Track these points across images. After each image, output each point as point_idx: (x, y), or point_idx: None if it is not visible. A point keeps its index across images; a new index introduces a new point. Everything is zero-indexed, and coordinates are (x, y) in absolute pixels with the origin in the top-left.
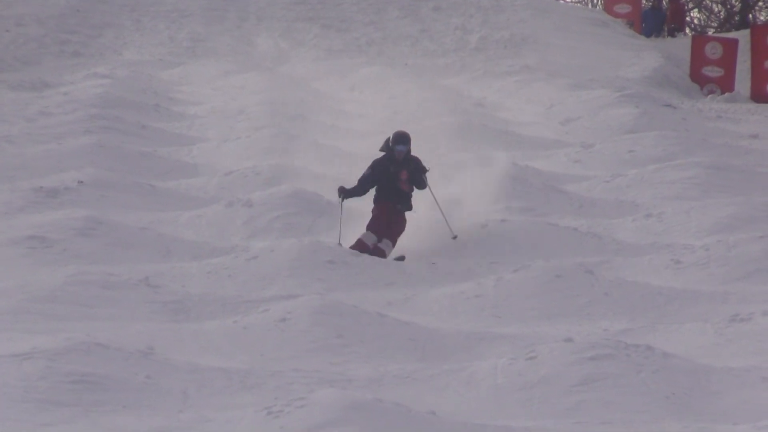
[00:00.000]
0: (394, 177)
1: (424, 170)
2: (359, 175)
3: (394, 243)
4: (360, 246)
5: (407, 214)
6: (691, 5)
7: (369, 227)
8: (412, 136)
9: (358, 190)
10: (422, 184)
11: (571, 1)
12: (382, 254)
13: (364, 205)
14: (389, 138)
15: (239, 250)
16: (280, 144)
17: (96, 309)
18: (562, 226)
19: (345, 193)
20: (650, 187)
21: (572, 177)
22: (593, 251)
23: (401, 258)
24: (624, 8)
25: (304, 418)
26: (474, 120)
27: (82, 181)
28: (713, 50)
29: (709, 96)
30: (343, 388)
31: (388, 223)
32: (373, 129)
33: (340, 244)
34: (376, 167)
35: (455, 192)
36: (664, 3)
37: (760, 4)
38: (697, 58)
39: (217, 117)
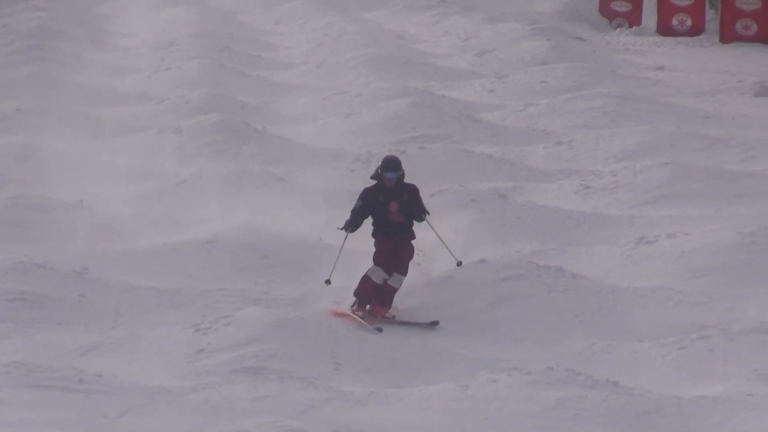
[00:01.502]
0: (383, 208)
1: (423, 210)
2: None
3: (405, 273)
4: (366, 285)
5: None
6: None
7: (375, 260)
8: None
9: (353, 224)
10: (420, 218)
11: None
12: (392, 292)
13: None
14: (379, 165)
15: (169, 175)
16: (209, 74)
17: (33, 231)
18: (477, 153)
19: (348, 227)
20: (561, 116)
21: (487, 106)
22: (506, 177)
23: (435, 323)
24: None
25: (230, 335)
26: (394, 52)
27: (19, 109)
28: None
29: (618, 29)
30: (268, 306)
31: (394, 253)
32: (297, 60)
33: (328, 282)
34: (366, 197)
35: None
36: None
37: None
38: None
39: (148, 48)
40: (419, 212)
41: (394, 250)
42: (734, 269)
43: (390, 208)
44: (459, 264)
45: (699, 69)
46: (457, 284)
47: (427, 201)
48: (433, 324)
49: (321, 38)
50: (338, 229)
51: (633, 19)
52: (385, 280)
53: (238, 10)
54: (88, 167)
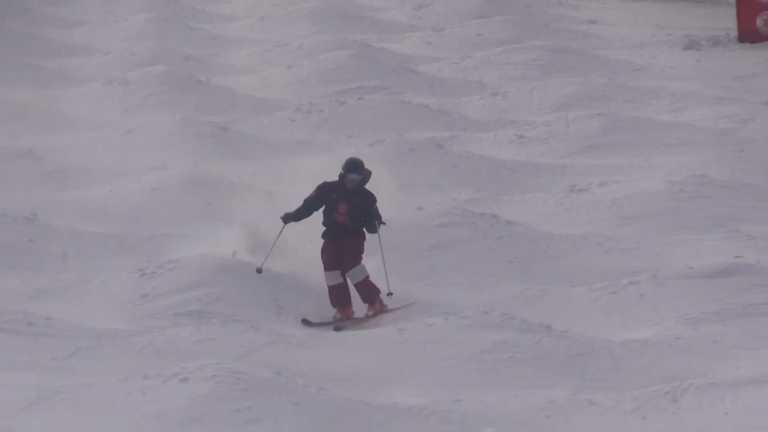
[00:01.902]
0: (333, 206)
1: (378, 217)
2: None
3: (357, 263)
4: (330, 292)
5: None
6: None
7: (325, 264)
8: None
9: (301, 213)
10: (372, 227)
11: None
12: (364, 287)
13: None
14: (342, 165)
15: (116, 125)
16: (155, 27)
17: None
18: (415, 104)
19: (288, 218)
20: (496, 68)
21: (424, 58)
22: (443, 127)
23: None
24: None
25: (175, 279)
26: (334, 6)
27: None
28: None
29: None
30: (212, 252)
31: (339, 251)
32: (240, 14)
33: (259, 270)
34: (322, 191)
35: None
36: None
37: None
38: None
39: (96, 1)
40: (370, 221)
41: (339, 249)
42: (663, 216)
43: (339, 208)
44: (389, 294)
45: (630, 23)
46: (395, 231)
47: (365, 151)
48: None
49: None
50: (279, 218)
51: None
52: (341, 282)
53: None
54: (36, 117)
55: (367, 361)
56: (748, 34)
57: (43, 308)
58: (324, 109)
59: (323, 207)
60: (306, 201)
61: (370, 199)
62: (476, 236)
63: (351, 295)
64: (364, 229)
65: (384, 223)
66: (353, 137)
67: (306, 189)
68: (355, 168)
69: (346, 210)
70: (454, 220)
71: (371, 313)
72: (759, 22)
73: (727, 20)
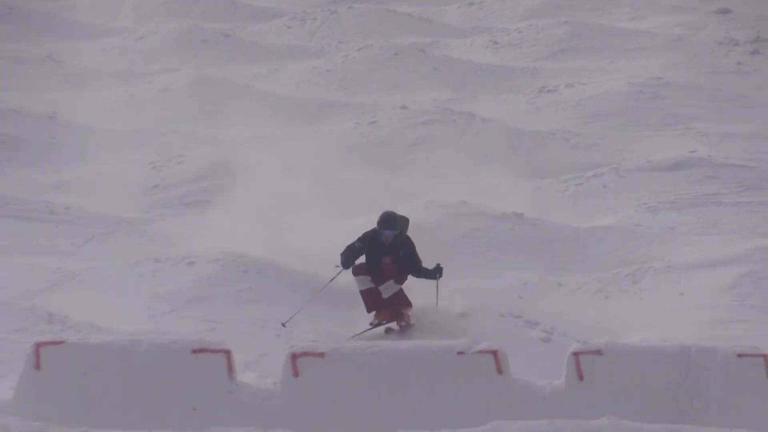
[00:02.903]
0: (377, 259)
1: (419, 264)
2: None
3: (400, 283)
4: (364, 296)
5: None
6: None
7: (353, 270)
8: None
9: (349, 261)
10: (418, 273)
11: None
12: (397, 299)
13: None
14: (378, 219)
15: (129, 32)
16: None
17: (8, 80)
18: (399, 12)
19: (345, 266)
20: None
21: None
22: (425, 33)
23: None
24: None
25: (182, 172)
26: None
27: None
28: None
29: None
30: (216, 147)
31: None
32: None
33: (284, 324)
34: (366, 242)
35: None
36: None
37: None
38: None
39: None
40: (417, 267)
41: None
42: (624, 115)
43: (383, 259)
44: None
45: None
46: (382, 128)
47: (353, 56)
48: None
49: None
50: (335, 266)
51: None
52: (373, 284)
53: None
54: (55, 25)
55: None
56: None
57: (63, 198)
58: (317, 17)
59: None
60: (351, 249)
61: (412, 246)
62: (455, 133)
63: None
64: (426, 275)
65: (440, 273)
66: (343, 42)
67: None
68: (389, 224)
69: (391, 261)
70: (434, 118)
71: (403, 324)
72: None
73: None
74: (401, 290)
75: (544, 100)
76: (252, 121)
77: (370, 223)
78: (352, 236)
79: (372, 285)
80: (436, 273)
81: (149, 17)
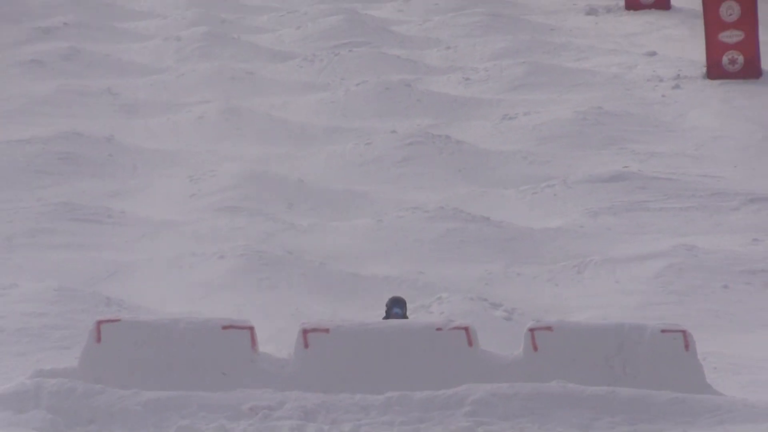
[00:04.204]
0: None
1: None
2: None
3: None
4: None
5: None
6: None
7: None
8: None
9: None
10: None
11: None
12: None
13: None
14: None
15: (172, 70)
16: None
17: (75, 109)
18: (390, 54)
19: None
20: (449, 28)
21: (397, 21)
22: (410, 71)
23: None
24: None
25: (215, 183)
26: None
27: (66, 23)
28: None
29: None
30: (242, 162)
31: None
32: None
33: None
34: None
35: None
36: None
37: None
38: None
39: None
40: None
41: None
42: (571, 137)
43: None
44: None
45: None
46: (376, 148)
47: (353, 89)
48: None
49: None
50: None
51: None
52: None
53: None
54: (113, 65)
55: (355, 244)
56: (632, 3)
57: (118, 204)
58: (323, 59)
59: None
60: None
61: None
62: (435, 152)
63: None
64: None
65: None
66: (345, 79)
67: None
68: (398, 304)
69: None
70: (418, 140)
71: None
72: None
73: None
74: None
75: (507, 125)
76: (270, 143)
77: (366, 224)
78: (350, 235)
79: None
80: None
81: (188, 59)
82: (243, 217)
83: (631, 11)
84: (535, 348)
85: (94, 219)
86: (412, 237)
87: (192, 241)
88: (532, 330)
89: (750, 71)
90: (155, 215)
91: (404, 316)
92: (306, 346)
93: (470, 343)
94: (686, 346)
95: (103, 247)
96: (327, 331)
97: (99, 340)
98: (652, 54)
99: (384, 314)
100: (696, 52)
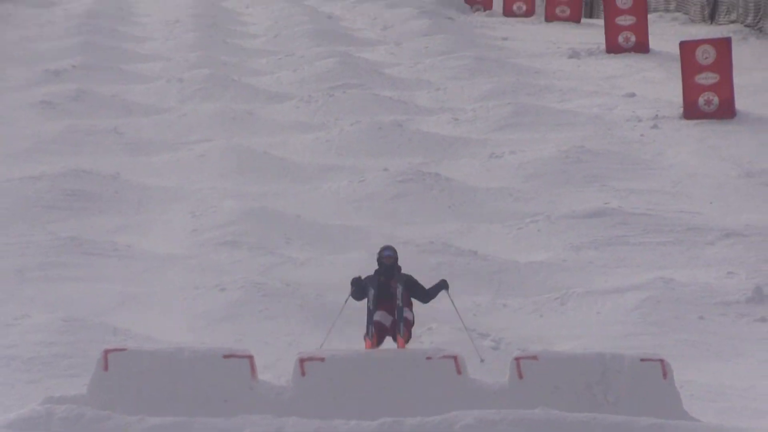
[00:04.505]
0: (385, 286)
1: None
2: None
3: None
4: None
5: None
6: None
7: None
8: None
9: (356, 294)
10: (426, 295)
11: None
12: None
13: None
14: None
15: (174, 110)
16: (202, 42)
17: (82, 148)
18: (382, 96)
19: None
20: (438, 71)
21: (389, 64)
22: (402, 112)
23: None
24: None
25: (216, 218)
26: (326, 27)
27: (75, 66)
28: None
29: (476, 12)
30: (242, 199)
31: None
32: (260, 33)
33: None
34: (368, 278)
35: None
36: None
37: None
38: None
39: (160, 24)
40: (423, 291)
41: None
42: (554, 175)
43: (391, 283)
44: (482, 361)
45: (531, 39)
46: (369, 185)
47: (347, 129)
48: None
49: (276, 17)
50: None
51: (486, 5)
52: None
53: None
54: (119, 105)
55: (350, 276)
56: (613, 47)
57: (124, 239)
58: (319, 100)
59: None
60: (356, 280)
61: (413, 279)
62: (425, 189)
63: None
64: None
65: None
66: (339, 119)
67: None
68: (388, 248)
69: (396, 285)
70: (409, 177)
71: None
72: (620, 39)
73: (598, 37)
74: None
75: (494, 163)
76: (269, 180)
77: (360, 258)
78: (345, 268)
79: (388, 322)
80: (442, 286)
81: (190, 99)
82: (243, 251)
83: (612, 55)
84: (521, 376)
85: (101, 253)
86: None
87: (194, 274)
88: (517, 359)
89: (725, 112)
90: (159, 249)
91: (395, 258)
92: (303, 374)
93: (458, 372)
94: (664, 375)
95: (110, 280)
96: (322, 359)
97: (106, 368)
98: (632, 95)
99: (376, 265)
100: (673, 93)
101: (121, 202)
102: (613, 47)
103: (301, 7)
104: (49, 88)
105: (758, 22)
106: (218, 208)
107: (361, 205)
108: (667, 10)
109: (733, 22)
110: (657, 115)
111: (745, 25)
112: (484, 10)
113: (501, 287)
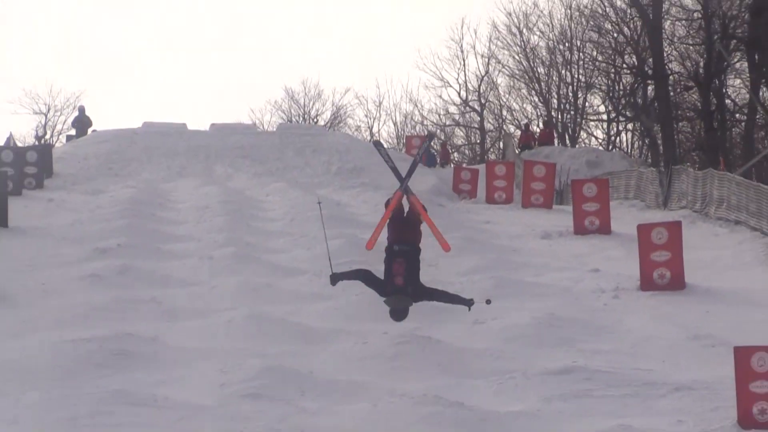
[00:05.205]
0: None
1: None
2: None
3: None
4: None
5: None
6: (452, 150)
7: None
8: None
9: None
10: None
11: (392, 148)
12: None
13: None
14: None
15: (205, 284)
16: (228, 225)
17: (126, 314)
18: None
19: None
20: (432, 249)
21: None
22: None
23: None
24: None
25: (241, 374)
26: (334, 212)
27: (120, 244)
28: (465, 175)
29: (463, 200)
30: (263, 358)
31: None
32: (278, 217)
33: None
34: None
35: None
36: (438, 147)
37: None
38: (456, 179)
39: (193, 209)
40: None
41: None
42: (530, 338)
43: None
44: (488, 302)
45: (510, 223)
46: (371, 347)
47: (352, 299)
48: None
49: (292, 204)
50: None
51: (472, 194)
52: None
53: (245, 188)
54: (158, 278)
55: (356, 423)
56: (580, 230)
57: (163, 391)
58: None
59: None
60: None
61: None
62: (419, 350)
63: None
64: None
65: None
66: (345, 291)
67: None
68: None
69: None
70: (406, 339)
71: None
72: (586, 222)
73: (567, 221)
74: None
75: (478, 328)
76: (286, 342)
77: (365, 408)
78: (352, 416)
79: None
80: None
81: (219, 274)
82: (264, 402)
83: (579, 236)
84: None
85: (143, 403)
86: (401, 419)
87: (223, 422)
88: None
89: (676, 284)
90: (192, 400)
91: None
92: None
93: None
94: None
95: (151, 427)
96: None
97: None
98: (596, 270)
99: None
100: (632, 269)
101: (159, 361)
102: (580, 229)
103: (314, 195)
104: (97, 263)
105: (704, 208)
106: (243, 366)
107: (365, 363)
108: (626, 198)
109: (683, 207)
110: (618, 287)
111: (694, 211)
112: (470, 198)
113: None
